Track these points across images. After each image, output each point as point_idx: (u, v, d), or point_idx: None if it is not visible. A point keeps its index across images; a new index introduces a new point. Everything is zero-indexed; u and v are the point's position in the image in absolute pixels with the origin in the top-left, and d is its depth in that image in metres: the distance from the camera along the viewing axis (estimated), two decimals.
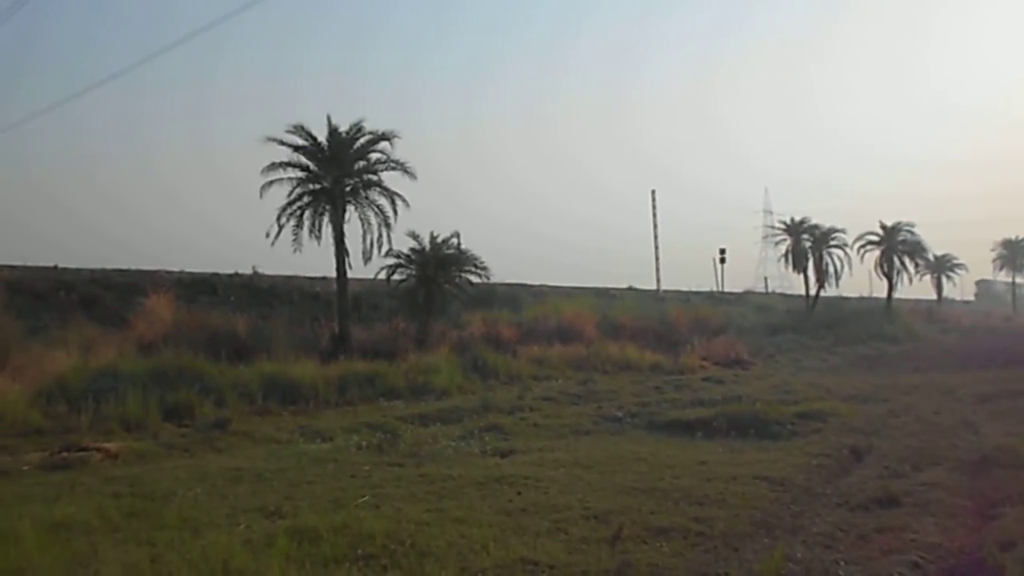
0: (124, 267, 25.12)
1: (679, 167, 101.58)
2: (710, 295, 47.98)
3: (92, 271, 24.01)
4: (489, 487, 8.92)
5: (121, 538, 6.94)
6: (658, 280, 46.66)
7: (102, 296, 22.26)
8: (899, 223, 45.58)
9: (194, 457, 11.52)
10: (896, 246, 45.55)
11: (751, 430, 12.86)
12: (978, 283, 58.94)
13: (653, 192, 48.11)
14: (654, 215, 47.60)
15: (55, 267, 23.67)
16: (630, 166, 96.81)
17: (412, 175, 23.01)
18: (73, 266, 24.10)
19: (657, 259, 47.03)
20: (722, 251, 53.09)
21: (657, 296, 43.28)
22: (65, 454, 11.00)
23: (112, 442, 11.87)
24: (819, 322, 37.62)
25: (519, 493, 8.67)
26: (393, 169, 23.02)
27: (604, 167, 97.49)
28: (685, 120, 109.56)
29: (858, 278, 49.43)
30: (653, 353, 25.82)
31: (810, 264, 41.68)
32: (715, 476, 9.47)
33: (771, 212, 58.53)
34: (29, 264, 23.18)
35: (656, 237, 47.49)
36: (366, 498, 8.33)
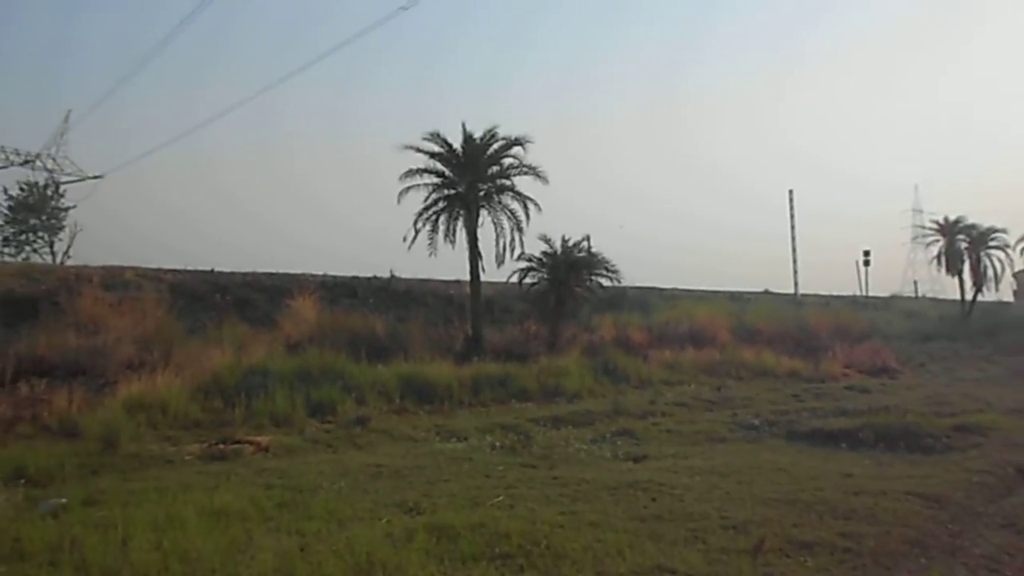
0: (273, 271, 26.62)
1: (821, 166, 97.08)
2: (853, 300, 45.69)
3: (244, 275, 25.55)
4: (622, 492, 8.83)
5: (273, 527, 7.34)
6: (796, 284, 44.98)
7: (253, 298, 23.63)
8: None
9: (337, 452, 12.09)
10: None
11: (901, 443, 12.18)
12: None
13: (791, 192, 46.46)
14: (792, 216, 45.93)
15: (212, 271, 25.36)
16: (769, 164, 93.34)
17: (544, 179, 23.24)
18: (227, 270, 25.78)
19: (795, 261, 45.35)
20: (866, 253, 50.59)
21: (795, 300, 41.63)
22: (221, 446, 11.85)
23: (263, 436, 12.67)
24: (976, 329, 35.10)
25: (653, 499, 8.53)
26: (526, 174, 23.35)
27: (741, 165, 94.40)
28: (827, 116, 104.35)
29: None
30: (791, 359, 24.90)
31: (966, 266, 38.85)
32: (862, 490, 8.99)
33: (922, 211, 54.90)
34: (189, 268, 25.04)
35: (794, 239, 45.81)
36: (501, 498, 8.44)
